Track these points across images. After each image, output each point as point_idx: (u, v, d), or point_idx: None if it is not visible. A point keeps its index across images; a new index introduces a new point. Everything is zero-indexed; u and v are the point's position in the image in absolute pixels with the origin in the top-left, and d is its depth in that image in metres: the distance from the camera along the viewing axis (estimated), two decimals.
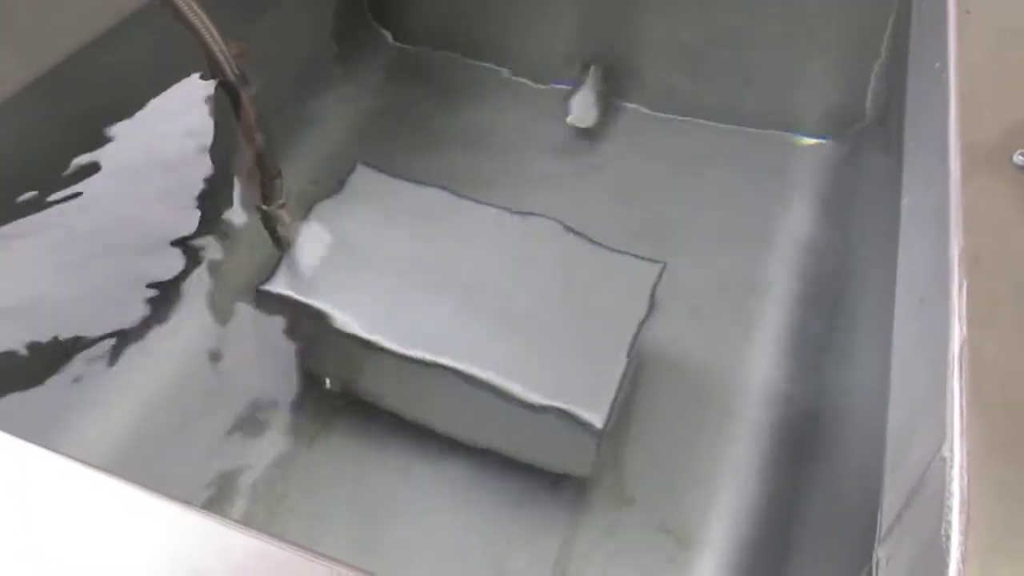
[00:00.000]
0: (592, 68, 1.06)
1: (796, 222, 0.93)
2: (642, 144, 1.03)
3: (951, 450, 0.39)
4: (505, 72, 1.11)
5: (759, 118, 1.02)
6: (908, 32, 0.76)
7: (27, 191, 0.72)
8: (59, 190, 0.73)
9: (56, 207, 0.73)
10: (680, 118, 1.06)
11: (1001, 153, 0.53)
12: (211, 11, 0.69)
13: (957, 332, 0.43)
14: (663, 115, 1.06)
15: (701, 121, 1.05)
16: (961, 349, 0.42)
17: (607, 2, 1.03)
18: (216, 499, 0.70)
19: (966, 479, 0.37)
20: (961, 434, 0.39)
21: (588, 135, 1.04)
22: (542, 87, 1.09)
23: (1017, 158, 0.52)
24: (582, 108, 1.04)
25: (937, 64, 0.62)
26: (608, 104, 1.06)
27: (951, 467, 0.38)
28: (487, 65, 1.11)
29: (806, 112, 1.01)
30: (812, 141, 1.01)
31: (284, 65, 0.91)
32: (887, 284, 0.60)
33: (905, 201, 0.61)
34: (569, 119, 1.03)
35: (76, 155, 0.75)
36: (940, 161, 0.55)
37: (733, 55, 1.00)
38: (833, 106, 0.99)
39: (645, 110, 1.07)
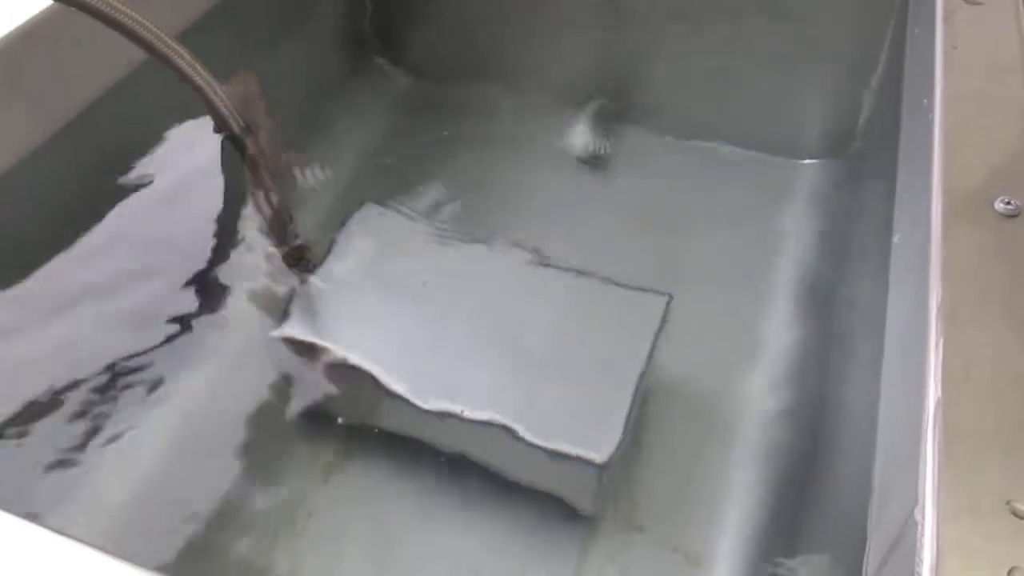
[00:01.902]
0: (598, 96, 1.08)
1: (798, 246, 0.94)
2: (646, 170, 1.04)
3: (923, 514, 0.40)
4: (512, 101, 1.11)
5: (760, 142, 1.03)
6: (903, 62, 0.76)
7: (44, 246, 0.75)
8: (74, 242, 0.76)
9: (68, 258, 0.75)
10: (685, 143, 1.06)
11: (983, 198, 0.53)
12: (211, 51, 0.71)
13: (932, 391, 0.44)
14: (667, 141, 1.07)
15: (706, 145, 1.06)
16: (935, 410, 0.43)
17: (615, 35, 1.04)
18: (234, 537, 0.73)
19: (935, 545, 0.38)
20: (933, 499, 0.40)
21: (594, 162, 1.05)
22: (549, 115, 1.10)
23: (998, 205, 0.53)
24: (589, 136, 1.05)
25: (925, 100, 0.63)
26: (614, 131, 1.07)
27: (922, 533, 0.39)
28: (494, 95, 1.12)
29: (806, 135, 1.01)
30: (812, 162, 1.01)
31: (288, 104, 0.92)
32: (880, 317, 0.61)
33: (895, 238, 0.62)
34: (576, 147, 1.05)
35: (92, 208, 0.77)
36: (924, 202, 0.56)
37: (736, 82, 1.00)
38: (831, 129, 1.00)
39: (649, 136, 1.07)
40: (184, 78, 0.69)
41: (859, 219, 0.86)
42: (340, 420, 0.79)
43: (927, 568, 0.38)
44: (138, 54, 0.72)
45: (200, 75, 0.70)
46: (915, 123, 0.66)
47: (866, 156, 0.93)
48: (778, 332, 0.87)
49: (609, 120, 1.07)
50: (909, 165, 0.66)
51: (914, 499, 0.41)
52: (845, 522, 0.57)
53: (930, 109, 0.61)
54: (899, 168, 0.68)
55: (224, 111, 0.72)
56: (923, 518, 0.40)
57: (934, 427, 0.43)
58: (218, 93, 0.71)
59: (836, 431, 0.71)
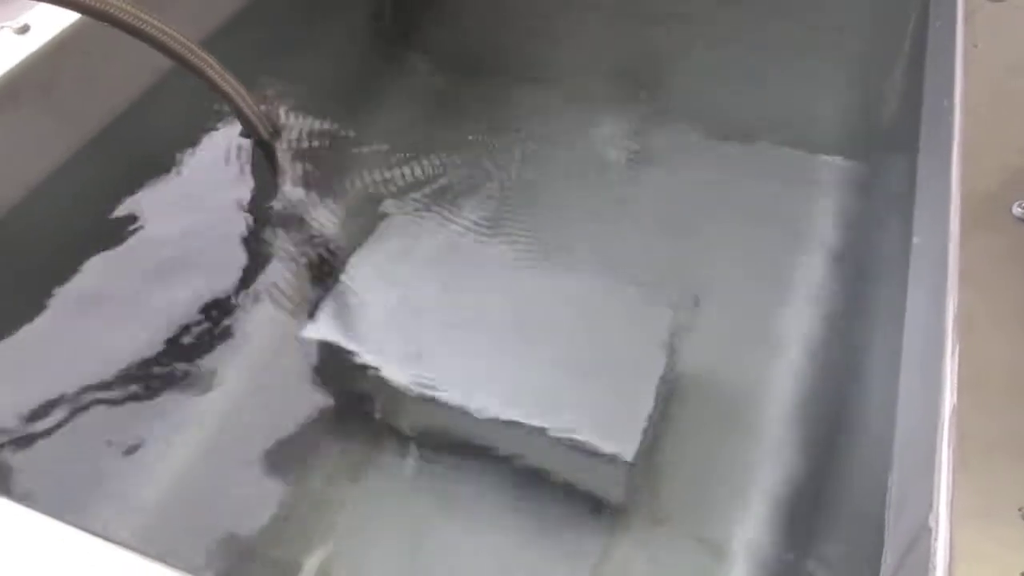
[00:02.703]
0: (625, 97, 1.08)
1: (821, 245, 0.94)
2: (672, 168, 1.04)
3: (936, 521, 0.41)
4: (540, 98, 1.11)
5: (784, 141, 1.02)
6: (924, 60, 0.76)
7: (79, 251, 0.77)
8: (107, 247, 0.78)
9: (101, 263, 0.77)
10: (709, 142, 1.06)
11: (1001, 203, 0.54)
12: (243, 54, 0.72)
13: (948, 399, 0.45)
14: (691, 140, 1.07)
15: (730, 143, 1.05)
16: (951, 417, 0.44)
17: (641, 37, 1.04)
18: (267, 534, 0.75)
19: (948, 552, 0.39)
20: (947, 505, 0.41)
21: (621, 160, 1.05)
22: (575, 114, 1.10)
23: (1016, 210, 0.53)
24: (615, 134, 1.05)
25: (945, 101, 0.63)
26: (640, 130, 1.07)
27: (935, 539, 0.40)
28: (520, 92, 1.12)
29: (830, 134, 1.01)
30: (836, 161, 1.01)
31: (318, 104, 0.93)
32: (900, 319, 0.61)
33: (916, 240, 0.62)
34: (602, 145, 1.05)
35: (123, 215, 0.79)
36: (942, 205, 0.56)
37: (761, 82, 1.00)
38: (856, 128, 0.99)
39: (675, 135, 1.07)
40: (213, 87, 0.71)
41: (881, 219, 0.86)
42: (377, 415, 0.80)
43: (940, 572, 0.39)
44: (165, 63, 0.73)
45: (228, 83, 0.71)
46: (935, 122, 0.66)
47: (890, 155, 0.93)
48: (801, 331, 0.87)
49: (635, 118, 1.07)
50: (929, 165, 0.66)
51: (929, 504, 0.42)
52: (863, 521, 0.58)
53: (950, 109, 0.61)
54: (919, 168, 0.68)
55: (252, 117, 0.74)
56: (936, 524, 0.41)
57: (949, 434, 0.43)
58: (246, 100, 0.73)
59: (857, 431, 0.71)
